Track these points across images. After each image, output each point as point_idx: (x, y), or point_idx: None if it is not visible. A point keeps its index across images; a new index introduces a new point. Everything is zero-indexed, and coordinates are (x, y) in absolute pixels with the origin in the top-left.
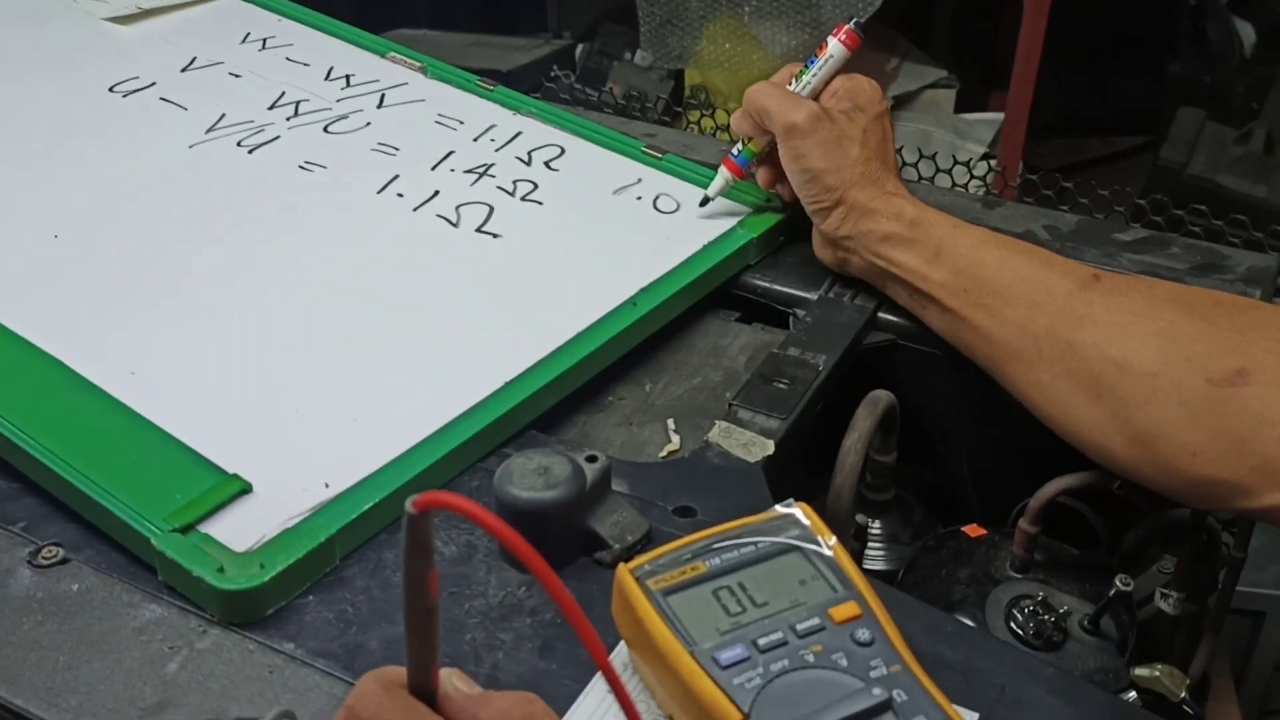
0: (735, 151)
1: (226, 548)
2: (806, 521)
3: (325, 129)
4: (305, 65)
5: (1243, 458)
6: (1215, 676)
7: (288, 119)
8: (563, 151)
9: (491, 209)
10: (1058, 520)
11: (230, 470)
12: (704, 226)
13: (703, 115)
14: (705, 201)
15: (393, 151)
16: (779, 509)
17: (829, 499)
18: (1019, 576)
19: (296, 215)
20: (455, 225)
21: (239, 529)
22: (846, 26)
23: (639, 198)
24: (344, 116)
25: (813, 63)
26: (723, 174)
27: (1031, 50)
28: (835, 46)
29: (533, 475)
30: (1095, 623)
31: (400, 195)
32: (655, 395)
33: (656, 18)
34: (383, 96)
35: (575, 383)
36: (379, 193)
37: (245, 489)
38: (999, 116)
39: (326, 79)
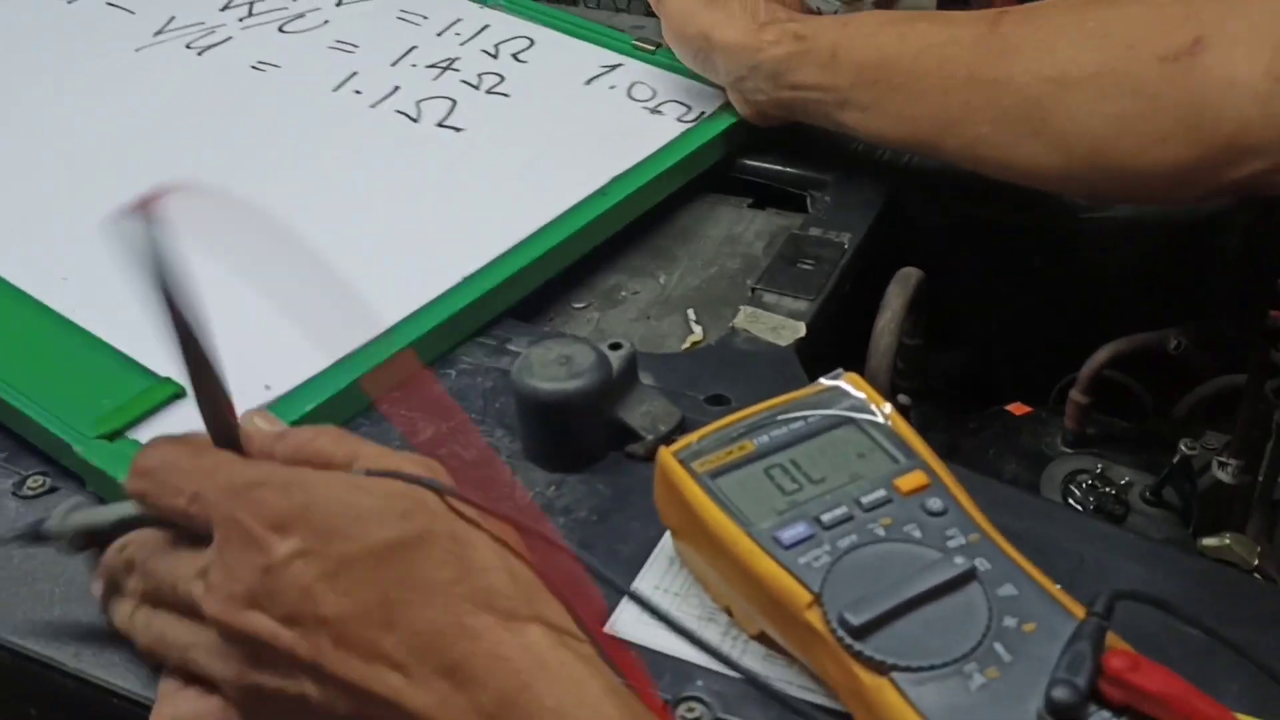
0: None
1: None
2: (858, 393)
3: (280, 29)
4: None
5: (1217, 127)
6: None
7: (240, 20)
8: (532, 43)
9: (454, 103)
10: (1101, 394)
11: (163, 375)
12: (681, 113)
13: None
14: None
15: (351, 49)
16: (825, 381)
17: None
18: (1071, 451)
19: (247, 116)
20: (415, 121)
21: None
22: None
23: (612, 86)
24: (300, 15)
25: None
26: None
27: None
28: None
29: (554, 365)
30: (1157, 493)
31: (358, 92)
32: (671, 287)
33: None
34: None
35: (543, 275)
36: (335, 90)
37: (178, 393)
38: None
39: None
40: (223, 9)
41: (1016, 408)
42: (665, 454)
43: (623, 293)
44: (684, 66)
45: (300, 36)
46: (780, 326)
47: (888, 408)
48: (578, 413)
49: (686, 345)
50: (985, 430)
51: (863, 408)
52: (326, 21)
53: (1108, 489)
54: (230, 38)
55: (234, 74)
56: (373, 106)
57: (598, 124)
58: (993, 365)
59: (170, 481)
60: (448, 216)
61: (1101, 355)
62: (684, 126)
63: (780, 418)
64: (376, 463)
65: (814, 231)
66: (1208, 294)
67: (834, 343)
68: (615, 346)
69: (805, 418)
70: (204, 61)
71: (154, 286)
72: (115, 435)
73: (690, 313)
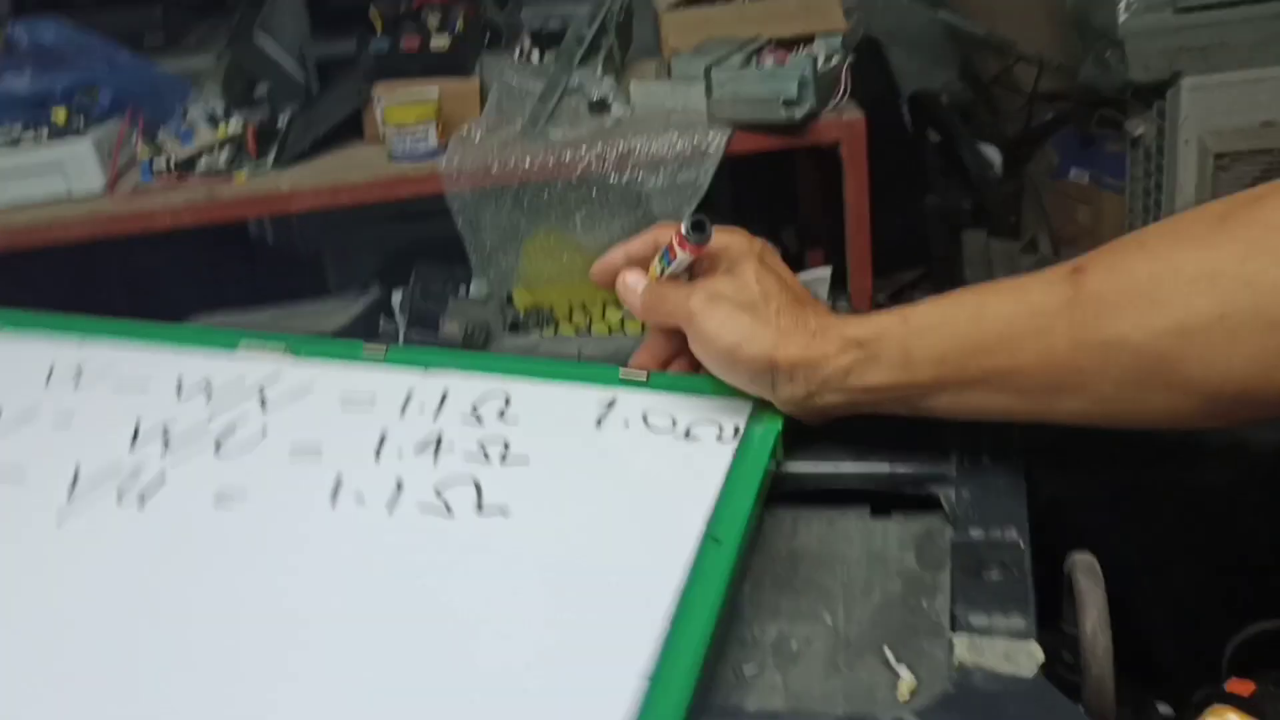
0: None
1: None
2: None
3: (217, 451)
4: (144, 385)
5: None
6: None
7: (161, 453)
8: (509, 400)
9: (477, 484)
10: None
11: None
12: (716, 433)
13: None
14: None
15: (316, 454)
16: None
17: (1087, 697)
18: None
19: (247, 567)
20: (449, 514)
21: None
22: (684, 237)
23: (626, 423)
24: (230, 431)
25: (665, 256)
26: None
27: (860, 202)
28: (680, 254)
29: None
30: None
31: (360, 500)
32: (844, 626)
33: (485, 245)
34: (262, 395)
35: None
36: (333, 506)
37: None
38: (825, 271)
39: (180, 396)
40: (132, 446)
41: (1238, 686)
42: None
43: (793, 643)
44: (681, 385)
45: (248, 456)
46: (1012, 653)
47: None
48: None
49: (905, 696)
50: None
51: None
52: (265, 430)
53: None
54: (164, 476)
55: (198, 518)
56: (390, 512)
57: (643, 466)
58: (1144, 635)
59: None
60: (566, 620)
61: None
62: (731, 446)
63: None
64: None
65: (975, 534)
66: None
67: None
68: None
69: None
70: (150, 514)
71: None
72: None
73: (887, 653)
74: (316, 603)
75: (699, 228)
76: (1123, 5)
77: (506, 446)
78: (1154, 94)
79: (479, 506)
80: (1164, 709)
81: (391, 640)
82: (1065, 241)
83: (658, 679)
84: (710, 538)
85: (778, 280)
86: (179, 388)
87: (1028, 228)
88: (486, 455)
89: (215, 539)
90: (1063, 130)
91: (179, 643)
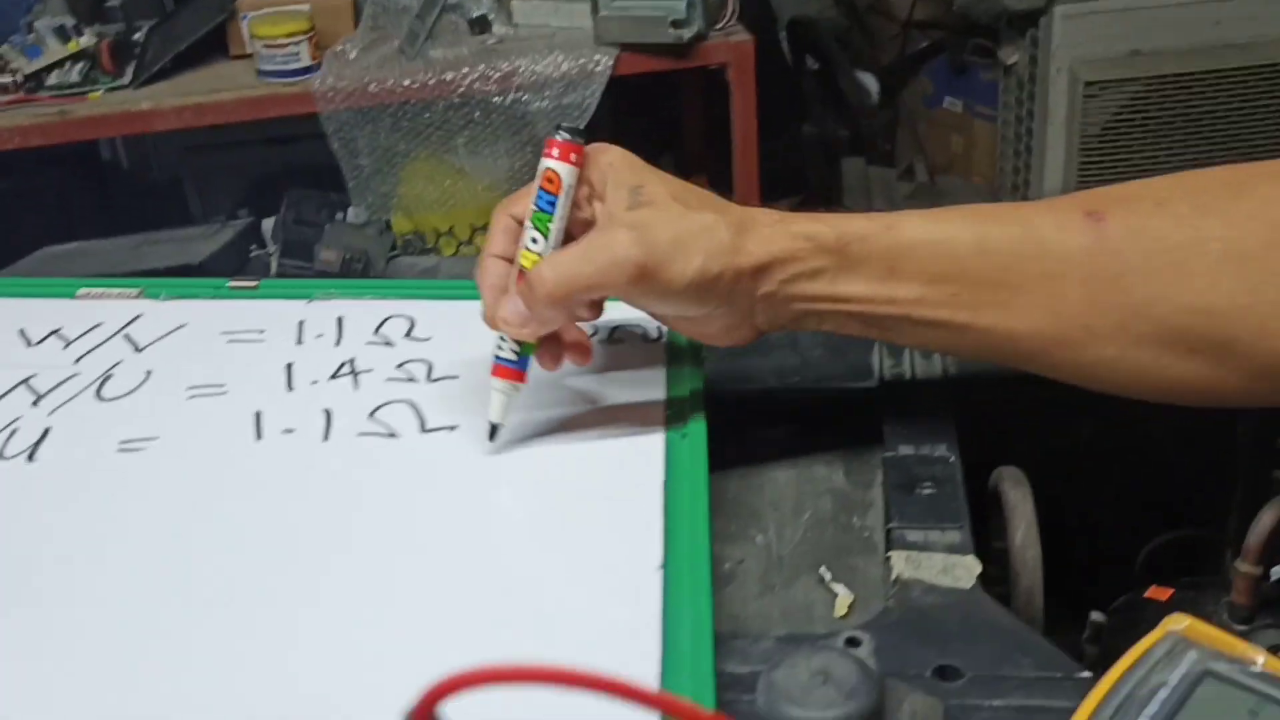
0: (510, 357)
1: None
2: (1200, 639)
3: (98, 396)
4: None
5: None
6: None
7: (34, 403)
8: (413, 321)
9: (414, 404)
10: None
11: None
12: (643, 332)
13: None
14: (495, 432)
15: (219, 390)
16: (1159, 634)
17: (1016, 607)
18: (1247, 628)
19: (174, 504)
20: (393, 436)
21: None
22: (557, 140)
23: None
24: (108, 377)
25: (544, 203)
26: (503, 389)
27: (748, 126)
28: (564, 171)
29: (817, 687)
30: None
31: (289, 430)
32: (776, 546)
33: (362, 169)
34: (130, 339)
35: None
36: (259, 439)
37: None
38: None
39: (32, 344)
40: (3, 395)
41: (1156, 592)
42: None
43: (726, 564)
44: None
45: (138, 399)
46: (951, 567)
47: (1260, 655)
48: None
49: (843, 612)
50: (1138, 624)
51: (1217, 656)
52: (150, 372)
53: None
54: (48, 429)
55: (101, 468)
56: (325, 440)
57: (578, 371)
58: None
59: None
60: (569, 524)
61: (1269, 517)
62: (661, 345)
63: (1139, 692)
64: None
65: (905, 450)
66: None
67: None
68: (853, 643)
69: (1164, 682)
70: (43, 465)
71: None
72: None
73: (824, 572)
74: (265, 531)
75: (574, 130)
76: None
77: (429, 364)
78: (1027, 22)
79: (422, 427)
80: (1096, 616)
81: (393, 562)
82: (940, 169)
83: (673, 569)
84: (676, 433)
85: (685, 185)
86: (27, 338)
87: (903, 155)
88: (412, 376)
89: (130, 482)
90: (937, 59)
91: (117, 585)
